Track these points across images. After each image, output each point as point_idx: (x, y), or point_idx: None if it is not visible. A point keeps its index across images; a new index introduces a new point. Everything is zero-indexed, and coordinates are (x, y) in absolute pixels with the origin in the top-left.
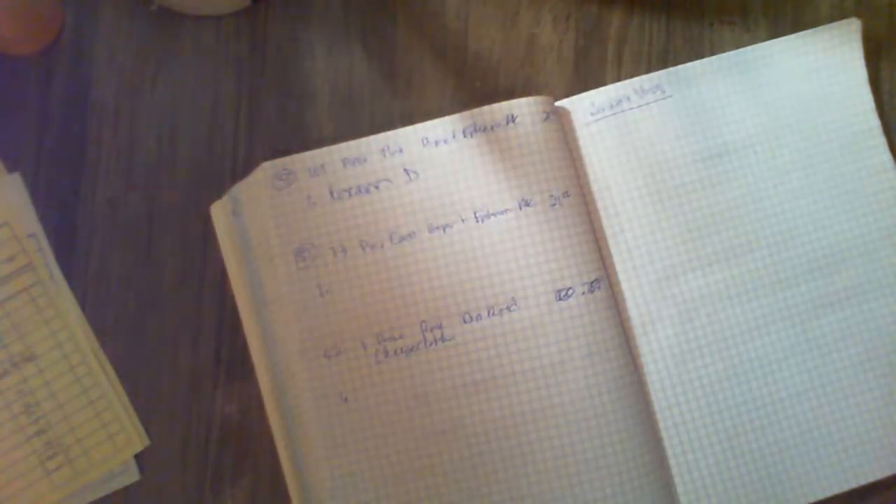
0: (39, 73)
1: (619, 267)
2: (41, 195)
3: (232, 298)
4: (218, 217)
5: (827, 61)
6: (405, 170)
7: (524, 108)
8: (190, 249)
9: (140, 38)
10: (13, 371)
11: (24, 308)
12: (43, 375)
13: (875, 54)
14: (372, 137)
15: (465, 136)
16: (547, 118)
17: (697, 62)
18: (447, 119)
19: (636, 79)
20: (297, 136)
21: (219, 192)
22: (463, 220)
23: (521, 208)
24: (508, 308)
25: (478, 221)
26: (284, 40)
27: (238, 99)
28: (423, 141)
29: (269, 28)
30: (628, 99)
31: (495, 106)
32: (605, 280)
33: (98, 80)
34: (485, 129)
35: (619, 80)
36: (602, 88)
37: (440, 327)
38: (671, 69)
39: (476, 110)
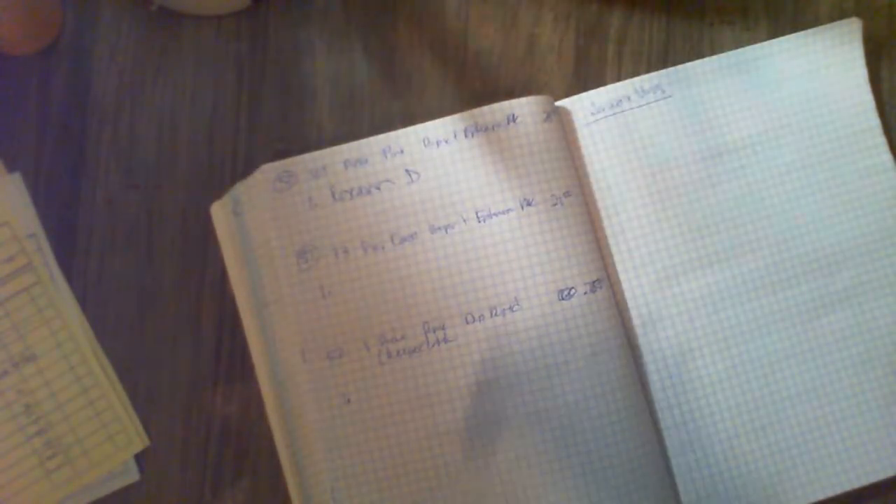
0: (39, 73)
1: (619, 267)
2: (41, 195)
3: (232, 298)
4: (218, 217)
5: (827, 61)
6: (406, 170)
7: (525, 107)
8: (190, 249)
9: (140, 38)
10: (13, 371)
11: (24, 308)
12: (43, 375)
13: (875, 54)
14: (373, 138)
15: (466, 137)
16: (548, 118)
17: (697, 62)
18: (448, 119)
19: (636, 79)
20: (298, 135)
21: (219, 192)
22: (465, 221)
23: (522, 208)
24: (511, 308)
25: (479, 221)
26: (285, 40)
27: (238, 99)
28: (424, 141)
29: (270, 28)
30: (628, 99)
31: (496, 106)
32: (606, 280)
33: (98, 80)
34: (486, 129)
35: (619, 80)
36: (602, 88)
37: (443, 328)
38: (671, 69)
39: (477, 110)
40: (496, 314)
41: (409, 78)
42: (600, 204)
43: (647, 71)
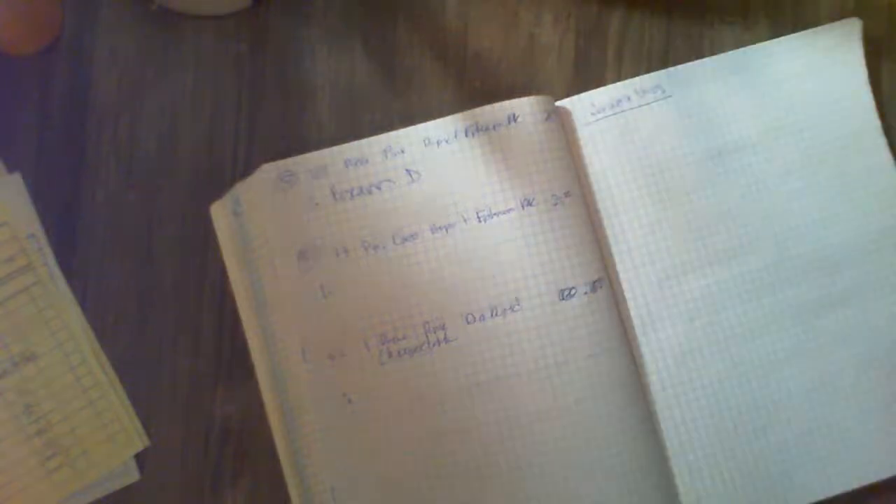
0: (39, 73)
1: (619, 267)
2: (41, 195)
3: (232, 298)
4: (218, 217)
5: (827, 61)
6: (407, 170)
7: (526, 107)
8: (190, 249)
9: (140, 38)
10: (13, 371)
11: (24, 308)
12: (43, 375)
13: (875, 54)
14: (374, 138)
15: (466, 136)
16: (548, 118)
17: (697, 62)
18: (449, 119)
19: (636, 79)
20: (298, 135)
21: (219, 192)
22: (465, 220)
23: (523, 208)
24: (511, 308)
25: (480, 221)
26: (285, 40)
27: (238, 99)
28: (424, 141)
29: (270, 28)
30: (628, 99)
31: (497, 105)
32: (606, 280)
33: (98, 80)
34: (486, 129)
35: (619, 80)
36: (602, 88)
37: (443, 328)
38: (671, 69)
39: (478, 110)
40: (496, 314)
41: (409, 78)
42: (600, 204)
43: (647, 71)
